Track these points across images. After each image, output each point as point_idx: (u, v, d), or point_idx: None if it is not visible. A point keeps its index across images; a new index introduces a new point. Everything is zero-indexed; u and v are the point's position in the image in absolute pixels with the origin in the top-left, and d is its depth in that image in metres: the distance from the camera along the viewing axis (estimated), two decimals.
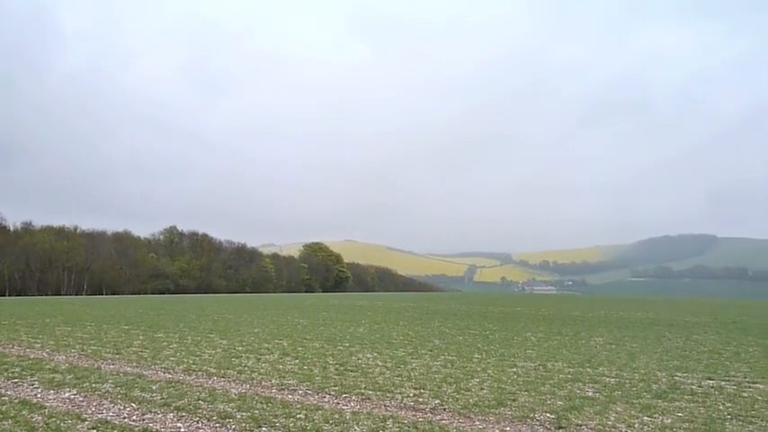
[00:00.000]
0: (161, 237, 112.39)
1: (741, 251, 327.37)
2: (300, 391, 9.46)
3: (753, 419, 7.87)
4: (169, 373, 11.15)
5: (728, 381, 10.85)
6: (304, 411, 8.03)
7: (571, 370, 11.79)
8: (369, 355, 13.58)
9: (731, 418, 7.93)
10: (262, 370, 11.40)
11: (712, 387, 10.19)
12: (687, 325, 24.44)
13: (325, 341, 16.44)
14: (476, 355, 13.75)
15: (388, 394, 9.22)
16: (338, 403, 8.68)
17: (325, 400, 8.91)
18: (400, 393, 9.29)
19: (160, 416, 7.83)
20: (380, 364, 12.35)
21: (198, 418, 7.68)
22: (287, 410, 8.07)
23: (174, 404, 8.38)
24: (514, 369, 11.81)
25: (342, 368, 11.67)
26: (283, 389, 9.66)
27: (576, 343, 16.84)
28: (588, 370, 11.83)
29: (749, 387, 10.28)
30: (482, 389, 9.71)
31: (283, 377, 10.61)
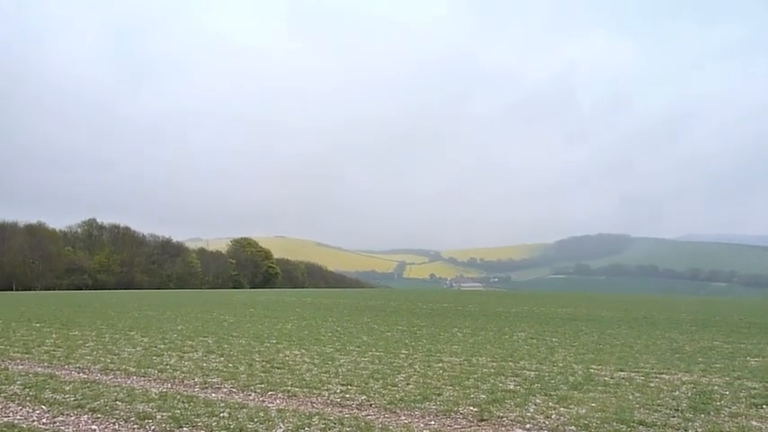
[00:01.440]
0: (79, 230, 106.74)
1: (652, 250, 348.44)
2: (225, 390, 9.26)
3: (658, 408, 8.40)
4: (84, 372, 10.63)
5: (638, 372, 11.52)
6: (228, 410, 7.86)
7: (494, 364, 12.16)
8: (296, 352, 13.47)
9: (639, 407, 8.42)
10: (184, 368, 11.08)
11: (623, 378, 10.80)
12: (602, 320, 25.75)
13: (251, 338, 16.16)
14: (403, 351, 13.93)
15: (314, 391, 9.18)
16: (264, 401, 8.56)
17: (251, 397, 8.77)
18: (327, 390, 9.28)
19: (73, 418, 7.45)
20: (308, 360, 12.28)
21: (114, 420, 7.36)
22: (210, 409, 7.88)
23: (88, 405, 7.99)
24: (440, 364, 12.05)
25: (268, 365, 11.52)
26: (207, 387, 9.42)
27: (499, 338, 17.38)
28: (510, 364, 12.24)
29: (656, 377, 10.96)
30: (408, 384, 9.85)
31: (207, 375, 10.35)
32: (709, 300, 68.16)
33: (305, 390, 9.26)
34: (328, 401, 8.56)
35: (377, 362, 12.19)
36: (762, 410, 8.41)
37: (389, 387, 9.56)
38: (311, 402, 8.50)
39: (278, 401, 8.54)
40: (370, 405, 8.36)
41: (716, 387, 10.08)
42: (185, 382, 9.84)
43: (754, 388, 10.06)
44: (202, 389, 9.31)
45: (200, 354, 13.06)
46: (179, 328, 18.88)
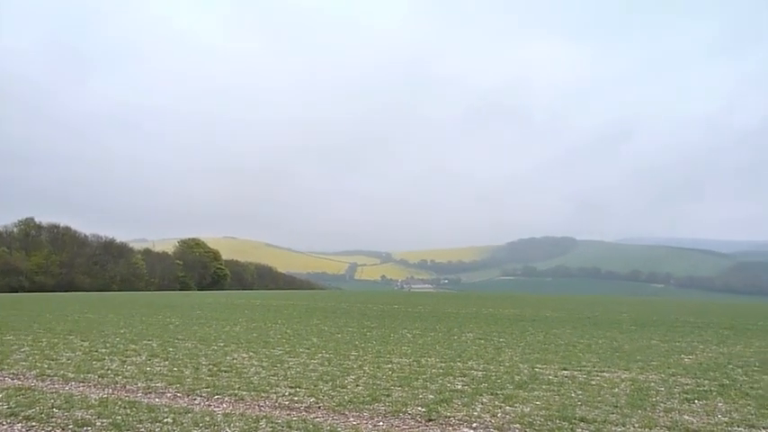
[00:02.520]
0: (15, 229, 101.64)
1: (595, 253, 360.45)
2: (169, 394, 9.03)
3: (599, 404, 8.71)
4: (19, 379, 10.15)
5: (580, 370, 11.89)
6: (172, 415, 7.67)
7: (443, 364, 12.31)
8: (244, 355, 13.27)
9: (581, 404, 8.70)
10: (127, 373, 10.74)
11: (566, 377, 11.12)
12: (548, 320, 26.43)
13: (198, 341, 15.82)
14: (353, 353, 13.92)
15: (262, 394, 9.07)
16: (210, 405, 8.40)
17: (196, 402, 8.58)
18: (275, 393, 9.18)
19: (6, 427, 7.11)
20: (256, 363, 12.12)
21: (51, 428, 7.07)
22: (153, 415, 7.66)
23: (22, 413, 7.64)
24: (390, 365, 12.11)
25: (215, 369, 11.30)
26: (150, 392, 9.16)
27: (448, 339, 17.60)
28: (459, 364, 12.41)
29: (597, 375, 11.34)
30: (357, 385, 9.85)
31: (150, 380, 10.07)
32: (648, 300, 71.01)
33: (252, 393, 9.13)
34: (276, 404, 8.48)
35: (326, 364, 12.15)
36: (693, 405, 8.84)
37: (339, 389, 9.54)
38: (259, 406, 8.39)
39: (224, 405, 8.39)
40: (319, 407, 8.32)
41: (652, 384, 10.52)
42: (127, 387, 9.55)
43: (687, 384, 10.55)
44: (145, 394, 9.05)
45: (144, 358, 12.69)
46: (122, 331, 18.28)
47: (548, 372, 11.66)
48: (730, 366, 12.86)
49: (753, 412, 8.42)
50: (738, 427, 7.62)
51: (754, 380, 11.21)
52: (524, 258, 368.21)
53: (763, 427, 7.60)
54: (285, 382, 10.01)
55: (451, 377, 10.80)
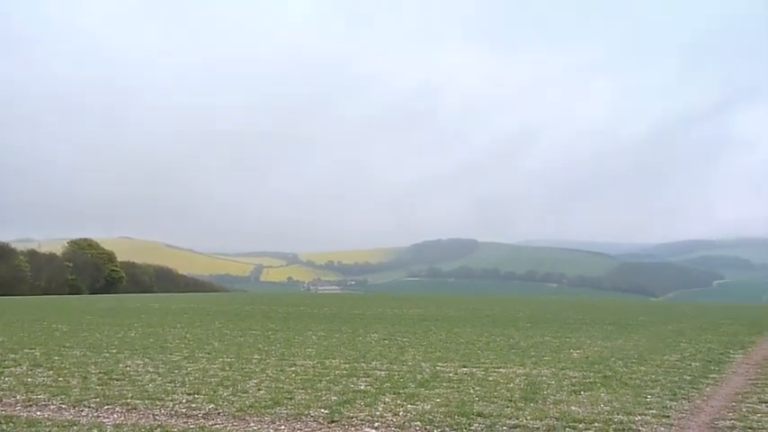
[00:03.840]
0: None
1: (495, 255, 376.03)
2: (53, 407, 8.41)
3: (495, 399, 9.09)
4: None
5: (479, 367, 12.37)
6: (55, 429, 7.15)
7: (347, 366, 12.35)
8: (139, 362, 12.62)
9: (478, 400, 9.05)
10: (4, 385, 9.88)
11: (466, 374, 11.52)
12: (450, 320, 27.26)
13: (87, 348, 14.85)
14: (256, 356, 13.64)
15: (158, 402, 8.67)
16: (99, 416, 7.91)
17: (84, 413, 8.05)
18: (172, 400, 8.80)
19: None
20: (152, 370, 11.56)
21: None
22: (34, 429, 7.11)
23: None
24: (293, 368, 11.98)
25: (105, 377, 10.66)
26: (31, 405, 8.49)
27: (353, 340, 17.68)
28: (363, 365, 12.51)
29: (494, 371, 11.84)
30: (260, 390, 9.67)
31: (32, 391, 9.32)
32: (543, 299, 75.17)
33: (147, 401, 8.70)
34: (173, 412, 8.13)
35: (227, 368, 11.82)
36: (580, 396, 9.46)
37: (240, 394, 9.31)
38: (153, 415, 8.01)
39: (115, 416, 7.94)
40: (218, 413, 8.08)
41: (544, 378, 11.14)
42: (4, 400, 8.78)
43: (575, 377, 11.28)
44: (25, 407, 8.37)
45: (25, 368, 11.73)
46: (0, 339, 16.80)
47: (448, 370, 12.02)
48: (613, 359, 13.87)
49: (630, 401, 9.14)
50: (618, 414, 8.24)
51: (633, 371, 12.17)
52: (429, 260, 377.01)
53: (640, 414, 8.27)
54: (183, 389, 9.62)
55: (355, 378, 10.86)
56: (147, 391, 9.40)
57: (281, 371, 11.58)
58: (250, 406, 8.44)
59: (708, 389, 10.36)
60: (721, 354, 15.38)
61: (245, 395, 9.21)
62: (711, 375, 11.82)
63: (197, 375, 10.95)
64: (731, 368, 12.96)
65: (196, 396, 9.11)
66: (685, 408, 8.78)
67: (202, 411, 8.17)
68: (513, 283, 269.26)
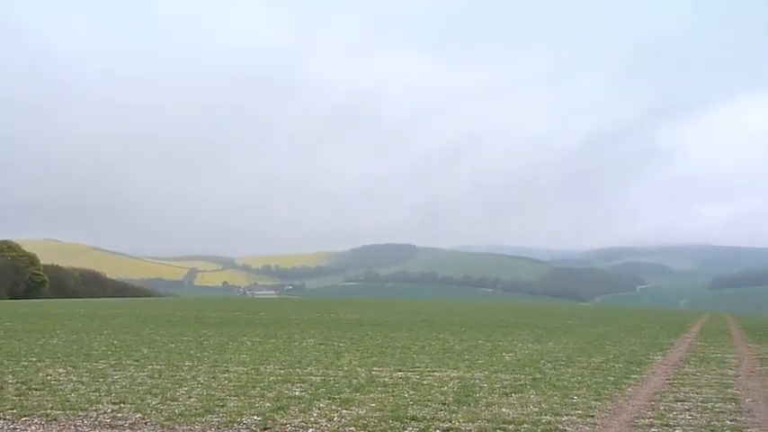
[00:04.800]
0: None
1: (433, 260, 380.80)
2: None
3: (429, 403, 9.22)
4: None
5: (414, 371, 12.50)
6: None
7: (282, 371, 12.20)
8: (61, 370, 12.01)
9: (413, 404, 9.14)
10: None
11: (401, 378, 11.62)
12: (387, 324, 27.40)
13: (5, 357, 14.00)
14: (187, 363, 13.25)
15: (80, 412, 8.27)
16: (15, 429, 7.49)
17: None
18: (96, 410, 8.42)
19: None
20: (75, 378, 11.03)
21: None
22: None
23: None
24: (226, 374, 11.72)
25: (24, 387, 10.08)
26: None
27: (289, 345, 17.48)
28: (298, 370, 12.38)
29: (429, 375, 12.00)
30: (190, 397, 9.40)
31: None
32: (478, 303, 76.77)
33: (68, 412, 8.29)
34: (96, 423, 7.79)
35: (157, 376, 11.42)
36: (511, 398, 9.72)
37: (169, 402, 9.02)
38: (75, 426, 7.64)
39: (33, 428, 7.52)
40: (146, 423, 7.80)
41: (477, 380, 11.39)
42: None
43: (507, 379, 11.59)
44: None
45: None
46: None
47: (384, 374, 12.08)
48: (543, 362, 14.34)
49: (558, 402, 9.48)
50: (546, 415, 8.53)
51: (561, 373, 12.63)
52: (368, 264, 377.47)
53: (566, 414, 8.59)
54: (108, 398, 9.23)
55: (290, 384, 10.74)
56: (68, 401, 8.95)
57: (213, 378, 11.30)
58: (180, 414, 8.20)
59: (629, 389, 10.88)
60: (642, 355, 16.18)
61: (175, 403, 8.93)
62: (633, 376, 12.42)
63: (124, 383, 10.53)
64: (651, 369, 13.66)
65: (122, 405, 8.76)
66: (609, 407, 9.19)
67: (129, 421, 7.87)
68: (449, 288, 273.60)
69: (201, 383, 10.66)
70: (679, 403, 9.58)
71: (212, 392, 9.81)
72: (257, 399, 9.34)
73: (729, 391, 10.83)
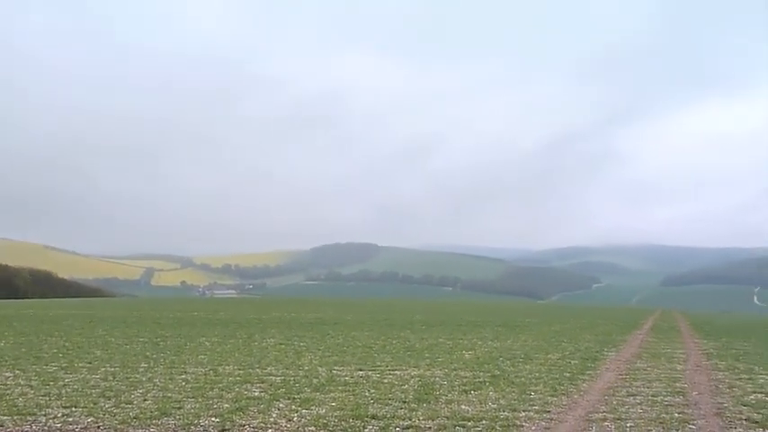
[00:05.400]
0: None
1: (395, 258, 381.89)
2: None
3: (389, 401, 9.25)
4: None
5: (374, 370, 12.52)
6: None
7: (241, 372, 12.04)
8: (8, 374, 11.57)
9: (373, 402, 9.17)
10: None
11: (362, 377, 11.63)
12: (348, 323, 27.34)
13: None
14: (143, 365, 12.95)
15: (29, 418, 7.99)
16: None
17: None
18: (45, 415, 8.15)
19: None
20: (23, 383, 10.64)
21: None
22: None
23: None
24: (184, 376, 11.50)
25: None
26: None
27: (249, 345, 17.27)
28: (257, 371, 12.25)
29: (390, 374, 12.04)
30: (146, 400, 9.19)
31: None
32: (439, 302, 77.42)
33: (16, 417, 7.99)
34: (46, 428, 7.54)
35: (110, 378, 11.12)
36: (470, 395, 9.85)
37: (123, 405, 8.80)
38: (23, 431, 7.37)
39: None
40: (98, 427, 7.60)
41: (437, 378, 11.49)
42: None
43: (466, 377, 11.73)
44: None
45: None
46: None
47: (344, 373, 12.06)
48: (501, 359, 14.57)
49: (516, 398, 9.66)
50: (504, 411, 8.67)
51: (519, 369, 12.86)
52: (329, 263, 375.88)
53: (524, 410, 8.75)
54: (59, 402, 8.94)
55: (249, 384, 10.62)
56: (16, 406, 8.63)
57: (169, 379, 11.08)
58: (134, 417, 8.01)
59: (584, 384, 11.16)
60: (597, 352, 16.62)
61: (130, 406, 8.72)
62: (588, 372, 12.74)
63: (75, 387, 10.22)
64: (605, 364, 14.04)
65: (74, 409, 8.50)
66: (564, 403, 9.41)
67: (80, 426, 7.65)
68: (411, 287, 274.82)
69: (157, 385, 10.43)
70: (631, 397, 9.88)
71: (169, 394, 9.62)
72: (215, 400, 9.21)
73: (678, 384, 11.24)
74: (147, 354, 14.95)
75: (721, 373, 12.85)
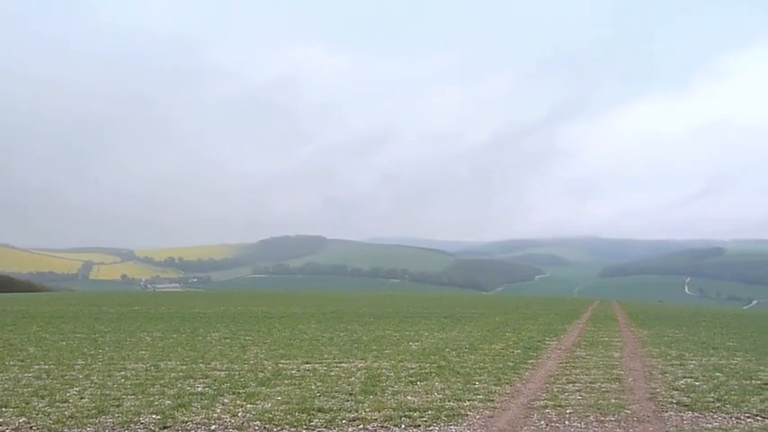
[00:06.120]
0: None
1: (343, 251, 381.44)
2: None
3: (336, 394, 9.24)
4: None
5: (321, 363, 12.47)
6: None
7: (184, 367, 11.76)
8: None
9: (320, 395, 9.13)
10: None
11: (308, 370, 11.56)
12: (296, 316, 27.13)
13: None
14: (79, 362, 12.45)
15: None
16: None
17: None
18: None
19: None
20: None
21: None
22: None
23: None
24: (123, 372, 11.13)
25: None
26: None
27: (192, 340, 16.88)
28: (201, 366, 11.99)
29: (336, 366, 12.02)
30: (82, 398, 8.85)
31: None
32: (387, 294, 77.89)
33: None
34: None
35: (44, 376, 10.64)
36: (416, 386, 9.95)
37: (58, 404, 8.44)
38: None
39: None
40: (31, 427, 7.26)
41: (384, 370, 11.55)
42: None
43: (412, 368, 11.84)
44: None
45: None
46: None
47: (291, 367, 11.96)
48: (447, 350, 14.79)
49: (461, 388, 9.83)
50: (450, 401, 8.81)
51: (464, 360, 13.09)
52: (277, 256, 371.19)
53: (468, 400, 8.92)
54: None
55: (192, 380, 10.38)
56: None
57: (108, 376, 10.70)
58: (70, 417, 7.70)
59: (527, 373, 11.47)
60: (539, 341, 17.11)
61: (65, 405, 8.38)
62: (530, 361, 13.10)
63: (6, 386, 9.73)
64: (546, 353, 14.48)
65: (4, 409, 8.09)
66: (507, 391, 9.64)
67: (11, 426, 7.29)
68: (359, 279, 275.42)
69: (95, 383, 10.06)
70: (570, 385, 10.23)
71: (107, 392, 9.29)
72: (156, 396, 8.96)
73: (614, 371, 11.71)
74: (85, 350, 14.39)
75: (654, 360, 13.47)
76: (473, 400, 8.89)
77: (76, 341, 16.39)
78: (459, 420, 7.81)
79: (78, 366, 11.83)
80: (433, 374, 11.09)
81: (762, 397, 9.51)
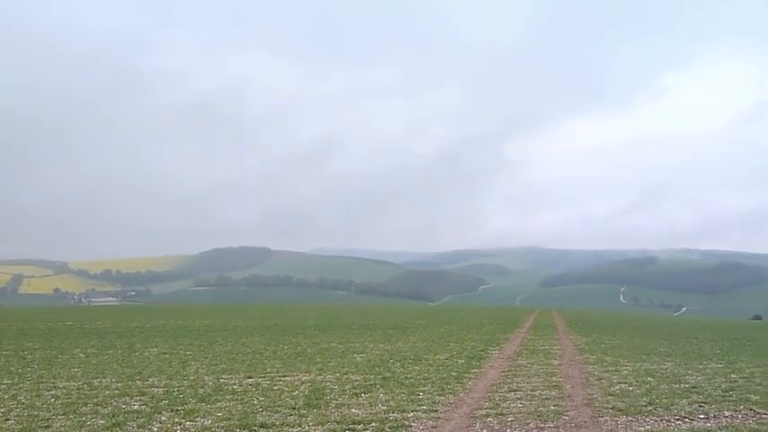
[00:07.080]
0: None
1: (288, 262, 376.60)
2: None
3: (279, 408, 9.09)
4: None
5: (264, 377, 12.25)
6: None
7: (119, 384, 11.30)
8: None
9: (262, 410, 8.96)
10: None
11: (251, 384, 11.33)
12: (238, 330, 26.58)
13: None
14: (5, 381, 11.77)
15: None
16: None
17: None
18: None
19: None
20: None
21: None
22: None
23: None
24: (53, 391, 10.60)
25: None
26: None
27: (129, 356, 16.25)
28: (138, 383, 11.55)
29: (280, 380, 11.83)
30: (7, 419, 8.37)
31: None
32: (332, 306, 77.39)
33: None
34: None
35: None
36: (361, 398, 9.92)
37: None
38: None
39: None
40: None
41: (328, 383, 11.46)
42: None
43: (357, 380, 11.80)
44: None
45: None
46: None
47: (233, 381, 11.69)
48: (392, 361, 14.82)
49: (405, 399, 9.86)
50: (394, 413, 8.82)
51: (409, 371, 13.14)
52: (219, 268, 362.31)
53: (412, 411, 8.96)
54: None
55: (128, 397, 9.98)
56: None
57: (37, 396, 10.16)
58: None
59: (470, 382, 11.63)
60: (482, 351, 17.39)
61: None
62: (473, 370, 13.29)
63: None
64: (489, 363, 14.72)
65: None
66: (451, 401, 9.74)
67: None
68: (305, 291, 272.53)
69: (22, 403, 9.53)
70: (512, 393, 10.44)
71: (35, 412, 8.81)
72: (89, 416, 8.56)
73: (554, 379, 12.04)
74: (12, 368, 13.61)
75: (591, 366, 13.93)
76: (417, 411, 8.94)
77: (2, 359, 15.48)
78: (403, 431, 7.83)
79: (4, 386, 11.17)
80: (378, 386, 11.08)
81: (690, 400, 9.99)
